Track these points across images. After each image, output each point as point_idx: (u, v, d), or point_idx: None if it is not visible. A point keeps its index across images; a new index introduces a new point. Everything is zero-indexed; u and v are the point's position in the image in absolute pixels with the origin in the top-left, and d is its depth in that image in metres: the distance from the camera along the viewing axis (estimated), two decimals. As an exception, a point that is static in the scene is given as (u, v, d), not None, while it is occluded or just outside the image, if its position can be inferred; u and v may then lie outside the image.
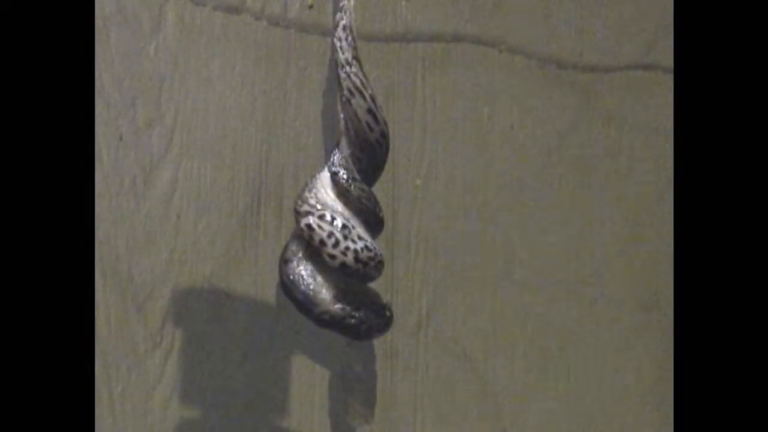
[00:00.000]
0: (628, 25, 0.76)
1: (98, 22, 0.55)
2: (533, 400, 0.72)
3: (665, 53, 0.76)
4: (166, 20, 0.58)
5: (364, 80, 0.54)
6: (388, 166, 0.65)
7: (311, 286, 0.54)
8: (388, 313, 0.55)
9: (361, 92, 0.54)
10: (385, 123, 0.54)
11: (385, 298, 0.56)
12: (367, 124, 0.54)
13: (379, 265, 0.54)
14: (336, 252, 0.52)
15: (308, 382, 0.62)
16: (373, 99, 0.54)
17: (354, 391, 0.58)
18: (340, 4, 0.55)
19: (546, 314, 0.73)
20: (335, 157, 0.54)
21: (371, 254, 0.53)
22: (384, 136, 0.54)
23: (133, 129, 0.57)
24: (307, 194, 0.54)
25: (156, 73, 0.58)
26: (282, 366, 0.62)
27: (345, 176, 0.53)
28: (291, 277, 0.55)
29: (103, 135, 0.56)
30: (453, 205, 0.68)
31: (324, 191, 0.54)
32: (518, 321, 0.72)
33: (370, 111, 0.53)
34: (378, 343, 0.64)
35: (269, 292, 0.61)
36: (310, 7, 0.62)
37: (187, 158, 0.58)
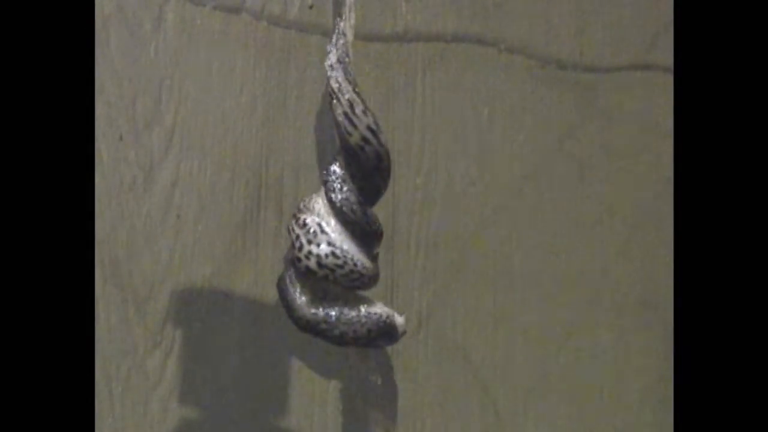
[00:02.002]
0: (628, 25, 0.76)
1: (98, 22, 0.56)
2: (533, 400, 0.72)
3: (665, 53, 0.76)
4: (166, 20, 0.58)
5: (342, 84, 0.52)
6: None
7: (291, 290, 0.54)
8: (365, 321, 0.53)
9: (338, 96, 0.52)
10: (370, 129, 0.52)
11: (386, 307, 0.55)
12: (345, 128, 0.52)
13: (352, 274, 0.52)
14: (301, 255, 0.52)
15: (308, 382, 0.62)
16: (351, 103, 0.52)
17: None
18: (340, 10, 0.54)
19: (546, 314, 0.73)
20: (330, 165, 0.53)
21: (338, 261, 0.52)
22: (366, 141, 0.52)
23: (133, 129, 0.57)
24: (304, 199, 0.54)
25: (156, 73, 0.58)
26: (282, 366, 0.62)
27: (332, 185, 0.52)
28: (279, 282, 0.55)
29: (103, 135, 0.56)
30: (453, 204, 0.68)
31: (320, 198, 0.54)
32: (518, 321, 0.71)
33: (346, 115, 0.52)
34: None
35: (269, 291, 0.61)
36: (310, 7, 0.62)
37: (187, 158, 0.58)
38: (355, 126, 0.52)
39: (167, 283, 0.58)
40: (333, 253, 0.52)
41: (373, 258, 0.54)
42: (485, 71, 0.69)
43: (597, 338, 0.75)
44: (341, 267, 0.52)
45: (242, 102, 0.60)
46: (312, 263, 0.52)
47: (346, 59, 0.53)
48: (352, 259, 0.52)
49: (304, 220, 0.52)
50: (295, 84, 0.62)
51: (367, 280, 0.53)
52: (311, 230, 0.52)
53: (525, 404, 0.72)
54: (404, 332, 0.56)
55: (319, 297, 0.53)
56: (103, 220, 0.56)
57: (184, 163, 0.58)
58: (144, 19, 0.57)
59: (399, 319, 0.55)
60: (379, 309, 0.55)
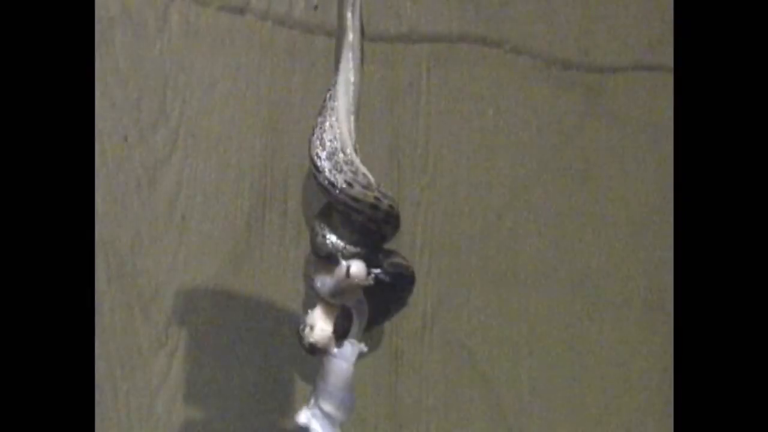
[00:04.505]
0: (633, 25, 0.76)
1: (103, 23, 0.56)
2: (537, 400, 0.72)
3: (670, 53, 0.76)
4: (171, 21, 0.58)
5: (332, 184, 0.46)
6: (392, 165, 0.65)
7: None
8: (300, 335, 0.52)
9: (324, 189, 0.47)
10: (380, 210, 0.48)
11: (327, 329, 0.52)
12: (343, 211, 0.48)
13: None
14: None
15: (311, 383, 0.63)
16: (318, 126, 0.47)
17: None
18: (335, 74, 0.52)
19: (550, 314, 0.73)
20: (319, 217, 0.51)
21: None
22: (313, 164, 0.47)
23: (138, 130, 0.57)
24: None
25: (161, 74, 0.58)
26: (286, 367, 0.62)
27: (318, 237, 0.49)
28: None
29: (107, 136, 0.56)
30: (457, 205, 0.68)
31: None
32: (522, 321, 0.72)
33: (330, 195, 0.47)
34: (383, 343, 0.64)
35: (273, 292, 0.61)
36: (316, 7, 0.62)
37: (191, 159, 0.59)
38: (358, 211, 0.47)
39: (172, 284, 0.58)
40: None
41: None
42: (490, 71, 0.69)
43: (601, 338, 0.75)
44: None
45: (247, 102, 0.60)
46: None
47: (344, 151, 0.47)
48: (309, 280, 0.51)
49: None
50: (300, 84, 0.62)
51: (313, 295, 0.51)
52: None
53: (529, 403, 0.72)
54: (313, 346, 0.51)
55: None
56: (107, 220, 0.56)
57: (188, 164, 0.59)
58: (148, 20, 0.57)
59: (314, 338, 0.51)
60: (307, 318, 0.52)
